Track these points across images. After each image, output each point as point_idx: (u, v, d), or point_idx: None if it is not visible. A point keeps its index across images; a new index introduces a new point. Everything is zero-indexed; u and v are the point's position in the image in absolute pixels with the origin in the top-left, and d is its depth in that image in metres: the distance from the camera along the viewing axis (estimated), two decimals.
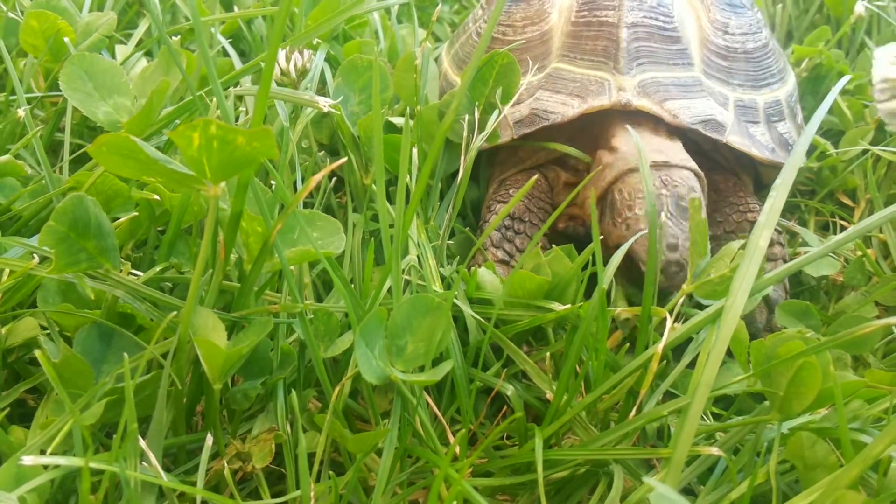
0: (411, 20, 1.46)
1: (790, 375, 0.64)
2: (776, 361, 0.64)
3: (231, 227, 0.65)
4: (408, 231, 0.71)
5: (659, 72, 0.97)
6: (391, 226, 0.72)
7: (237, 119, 0.99)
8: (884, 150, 1.10)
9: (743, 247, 0.70)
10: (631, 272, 0.86)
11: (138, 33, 1.09)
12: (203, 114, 0.75)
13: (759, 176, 1.08)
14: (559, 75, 0.98)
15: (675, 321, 0.75)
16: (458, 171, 1.01)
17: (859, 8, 1.33)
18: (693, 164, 0.90)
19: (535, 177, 0.88)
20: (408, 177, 0.89)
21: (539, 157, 1.03)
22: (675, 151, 0.91)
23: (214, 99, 0.88)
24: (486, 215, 0.96)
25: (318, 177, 0.61)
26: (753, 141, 0.98)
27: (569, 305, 0.72)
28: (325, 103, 0.72)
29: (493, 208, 0.95)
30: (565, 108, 0.95)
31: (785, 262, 0.94)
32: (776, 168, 1.02)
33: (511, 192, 0.97)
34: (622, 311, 0.75)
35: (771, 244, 0.94)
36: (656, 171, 0.87)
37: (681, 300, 0.72)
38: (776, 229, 0.94)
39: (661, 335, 0.69)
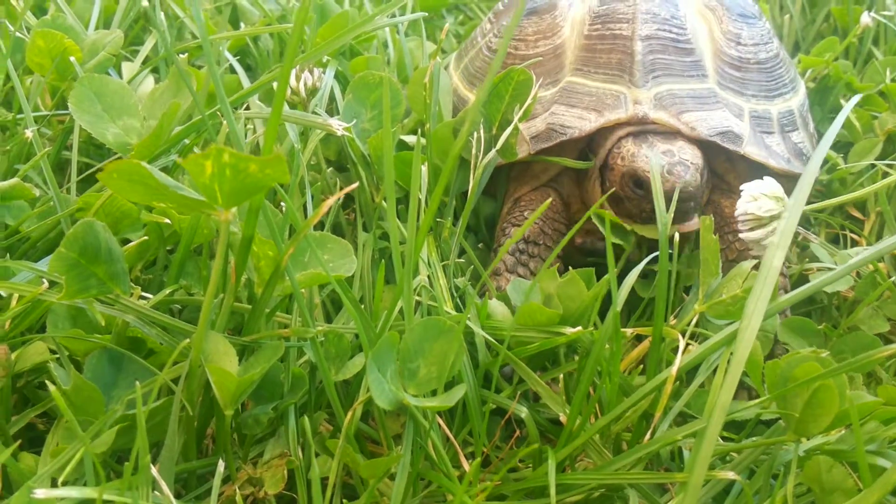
0: (418, 32, 1.46)
1: (806, 397, 0.63)
2: (793, 385, 0.64)
3: (242, 252, 0.65)
4: (419, 252, 0.71)
5: (674, 84, 0.96)
6: (402, 242, 0.71)
7: (244, 137, 0.99)
8: (892, 165, 1.09)
9: (756, 267, 0.69)
10: (630, 206, 0.89)
11: (145, 50, 1.09)
12: (213, 137, 0.74)
13: None
14: (574, 89, 0.98)
15: (686, 340, 0.75)
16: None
17: (865, 19, 1.32)
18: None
19: (550, 199, 0.87)
20: (420, 195, 0.88)
21: (552, 171, 1.02)
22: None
23: (224, 120, 0.88)
24: (499, 238, 0.95)
25: (330, 202, 0.60)
26: (770, 152, 0.97)
27: (579, 328, 0.71)
28: (338, 126, 0.71)
29: (507, 231, 0.94)
30: (582, 122, 0.94)
31: (786, 291, 0.93)
32: (791, 178, 1.02)
33: (525, 213, 0.96)
34: (634, 330, 0.74)
35: None
36: (658, 142, 0.89)
37: (693, 319, 0.71)
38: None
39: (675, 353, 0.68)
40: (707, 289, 0.71)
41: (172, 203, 0.62)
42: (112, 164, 0.56)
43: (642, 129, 0.93)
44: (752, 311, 0.61)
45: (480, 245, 1.03)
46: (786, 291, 0.92)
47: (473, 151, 0.86)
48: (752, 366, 0.67)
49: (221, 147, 0.53)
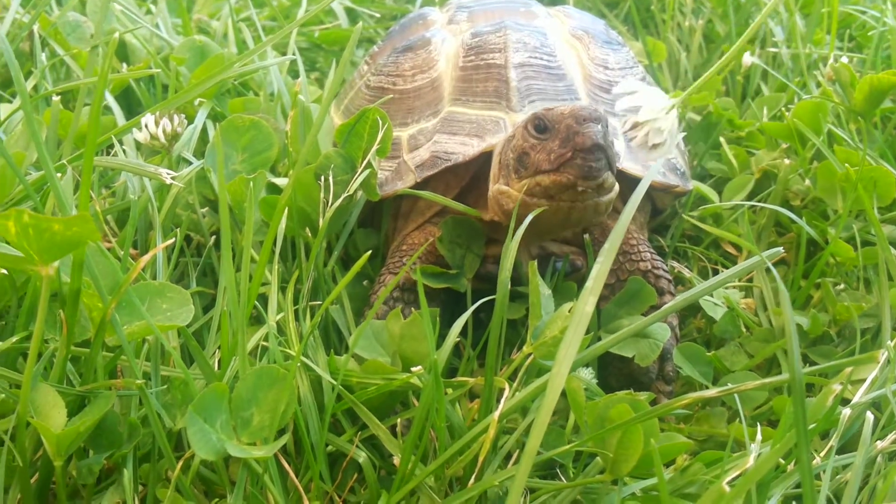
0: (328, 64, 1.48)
1: (618, 437, 0.66)
2: (609, 426, 0.67)
3: (71, 305, 0.66)
4: (253, 303, 0.73)
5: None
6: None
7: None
8: (754, 205, 1.14)
9: (571, 309, 0.72)
10: (540, 160, 0.82)
11: (27, 87, 1.09)
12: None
13: (653, 201, 1.13)
14: (454, 118, 1.00)
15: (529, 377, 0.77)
16: (369, 218, 1.03)
17: (747, 59, 1.38)
18: None
19: (409, 266, 0.88)
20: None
21: (436, 206, 1.03)
22: None
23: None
24: (376, 287, 0.96)
25: (147, 258, 0.62)
26: (646, 167, 1.01)
27: (419, 369, 0.73)
28: (166, 175, 0.73)
29: (384, 279, 0.95)
30: (465, 147, 0.96)
31: (675, 325, 0.96)
32: (668, 192, 1.06)
33: (404, 259, 0.96)
34: (475, 380, 0.76)
35: (661, 293, 0.96)
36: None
37: (526, 362, 0.74)
38: (668, 279, 0.96)
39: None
40: (534, 331, 0.73)
41: None
42: None
43: None
44: (562, 358, 0.63)
45: (365, 282, 1.04)
46: (675, 325, 0.96)
47: (321, 196, 0.88)
48: (575, 406, 0.70)
49: (21, 209, 0.54)
